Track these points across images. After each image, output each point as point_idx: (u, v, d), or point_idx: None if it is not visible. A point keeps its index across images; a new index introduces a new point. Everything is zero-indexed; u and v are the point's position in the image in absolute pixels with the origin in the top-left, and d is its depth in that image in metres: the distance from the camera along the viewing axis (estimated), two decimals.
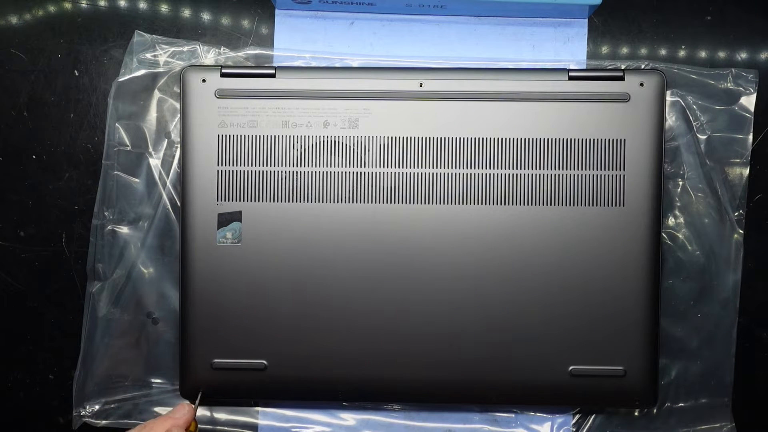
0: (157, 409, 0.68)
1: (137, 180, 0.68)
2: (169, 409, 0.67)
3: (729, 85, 0.67)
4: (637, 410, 0.68)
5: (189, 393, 0.66)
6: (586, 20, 0.69)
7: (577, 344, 0.65)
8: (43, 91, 0.69)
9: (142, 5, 0.69)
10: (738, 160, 0.67)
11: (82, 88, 0.69)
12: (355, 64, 0.68)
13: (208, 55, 0.67)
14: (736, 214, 0.67)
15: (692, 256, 0.68)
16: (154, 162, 0.68)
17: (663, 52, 0.69)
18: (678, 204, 0.68)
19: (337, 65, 0.68)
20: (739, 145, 0.67)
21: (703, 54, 0.69)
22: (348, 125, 0.64)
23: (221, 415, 0.69)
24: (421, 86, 0.64)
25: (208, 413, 0.69)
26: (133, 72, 0.67)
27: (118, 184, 0.67)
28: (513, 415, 0.69)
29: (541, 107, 0.64)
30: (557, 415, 0.69)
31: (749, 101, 0.67)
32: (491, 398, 0.66)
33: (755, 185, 0.68)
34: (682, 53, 0.69)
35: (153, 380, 0.68)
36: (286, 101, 0.64)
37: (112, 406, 0.68)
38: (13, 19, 0.69)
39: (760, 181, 0.69)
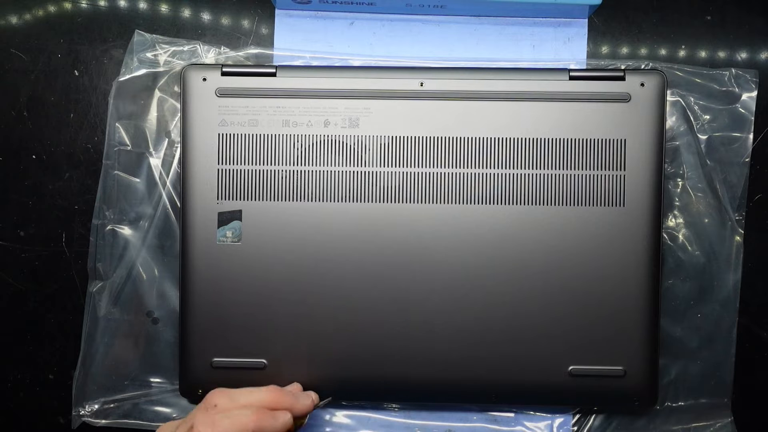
0: (157, 408, 0.68)
1: (137, 179, 0.68)
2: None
3: (729, 85, 0.67)
4: (637, 410, 0.68)
5: (189, 392, 0.66)
6: (586, 20, 0.69)
7: (576, 344, 0.65)
8: (43, 91, 0.69)
9: (142, 5, 0.69)
10: (738, 160, 0.67)
11: (82, 88, 0.69)
12: (355, 64, 0.68)
13: (209, 55, 0.67)
14: (737, 214, 0.67)
15: (692, 256, 0.68)
16: (155, 162, 0.68)
17: (663, 52, 0.69)
18: (678, 204, 0.68)
19: (338, 65, 0.68)
20: (739, 145, 0.67)
21: (703, 54, 0.69)
22: (348, 124, 0.64)
23: None
24: (421, 86, 0.64)
25: None
26: (133, 71, 0.67)
27: (119, 184, 0.68)
28: (513, 415, 0.69)
29: (542, 107, 0.64)
30: (557, 415, 0.68)
31: (749, 101, 0.67)
32: (491, 398, 0.66)
33: (755, 185, 0.68)
34: (682, 53, 0.69)
35: (153, 380, 0.68)
36: (286, 100, 0.64)
37: (112, 405, 0.68)
38: (13, 19, 0.70)
39: (760, 181, 0.69)
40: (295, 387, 0.63)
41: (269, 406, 0.58)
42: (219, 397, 0.58)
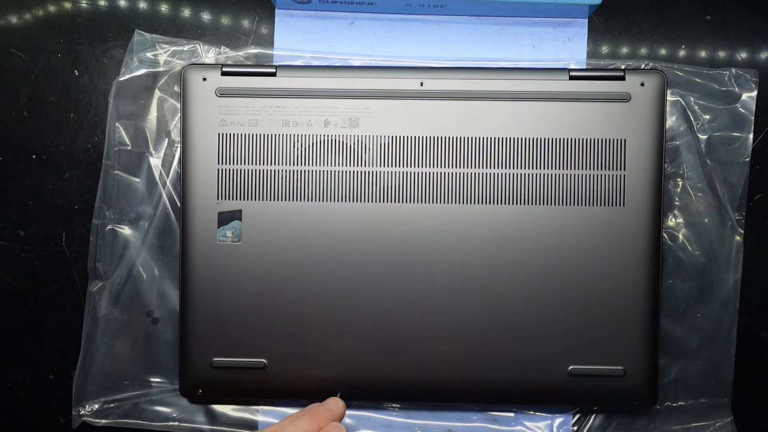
0: (157, 408, 0.68)
1: (137, 179, 0.68)
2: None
3: (729, 85, 0.67)
4: (637, 410, 0.68)
5: (188, 392, 0.66)
6: (586, 20, 0.69)
7: (576, 344, 0.65)
8: (43, 91, 0.69)
9: (142, 5, 0.69)
10: (738, 160, 0.67)
11: (82, 88, 0.69)
12: (355, 64, 0.68)
13: (209, 55, 0.67)
14: (737, 214, 0.67)
15: (692, 256, 0.68)
16: (155, 161, 0.68)
17: (663, 51, 0.69)
18: (678, 204, 0.68)
19: (338, 65, 0.68)
20: (739, 145, 0.67)
21: (703, 54, 0.69)
22: (348, 124, 0.64)
23: (221, 414, 0.68)
24: (421, 85, 0.64)
25: (207, 412, 0.69)
26: (133, 71, 0.67)
27: (119, 184, 0.68)
28: (512, 415, 0.69)
29: (542, 107, 0.64)
30: (557, 415, 0.68)
31: (750, 101, 0.67)
32: (491, 398, 0.66)
33: (755, 185, 0.68)
34: (682, 53, 0.69)
35: (153, 379, 0.68)
36: (286, 100, 0.64)
37: (112, 405, 0.68)
38: (13, 19, 0.70)
39: (760, 181, 0.69)
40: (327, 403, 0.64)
41: (317, 430, 0.59)
42: None
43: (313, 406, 0.62)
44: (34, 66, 0.69)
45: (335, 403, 0.62)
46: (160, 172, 0.68)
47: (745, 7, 0.69)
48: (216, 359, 0.65)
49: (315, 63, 0.68)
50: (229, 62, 0.67)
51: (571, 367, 0.65)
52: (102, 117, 0.69)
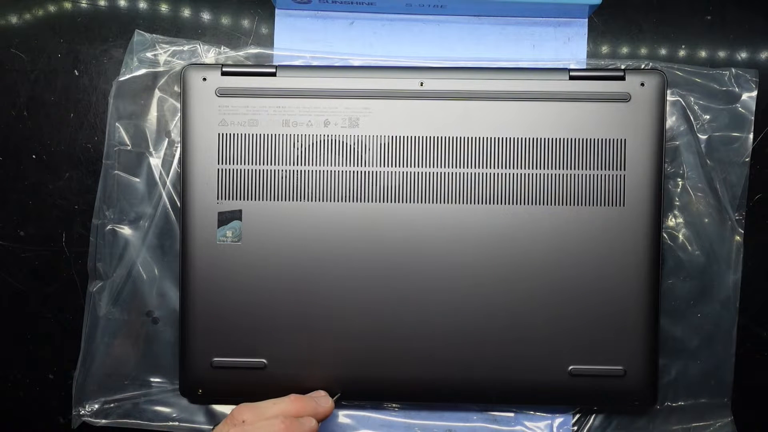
0: (157, 408, 0.68)
1: (137, 179, 0.68)
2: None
3: (729, 85, 0.67)
4: (637, 410, 0.68)
5: (188, 392, 0.66)
6: (586, 20, 0.69)
7: (576, 344, 0.65)
8: (43, 91, 0.69)
9: (142, 5, 0.69)
10: (738, 160, 0.67)
11: (82, 88, 0.69)
12: (355, 64, 0.68)
13: (209, 55, 0.67)
14: (737, 214, 0.67)
15: (692, 255, 0.68)
16: (155, 161, 0.68)
17: (663, 51, 0.69)
18: (678, 204, 0.68)
19: (338, 65, 0.68)
20: (739, 145, 0.67)
21: (703, 54, 0.69)
22: (348, 124, 0.64)
23: (221, 414, 0.68)
24: (421, 85, 0.64)
25: (207, 412, 0.69)
26: (133, 71, 0.67)
27: (119, 184, 0.68)
28: (512, 415, 0.68)
29: (542, 107, 0.64)
30: (557, 415, 0.68)
31: (750, 101, 0.67)
32: (491, 398, 0.66)
33: (755, 185, 0.68)
34: (682, 53, 0.69)
35: (153, 379, 0.68)
36: (286, 100, 0.64)
37: (112, 405, 0.68)
38: (13, 19, 0.70)
39: (760, 181, 0.69)
40: (319, 393, 0.64)
41: (294, 415, 0.59)
42: (245, 412, 0.59)
43: (306, 395, 0.63)
44: (34, 66, 0.69)
45: (325, 399, 0.63)
46: (160, 172, 0.68)
47: (745, 7, 0.69)
48: (216, 359, 0.65)
49: (315, 63, 0.68)
50: (229, 62, 0.67)
51: (571, 367, 0.65)
52: (102, 117, 0.69)
